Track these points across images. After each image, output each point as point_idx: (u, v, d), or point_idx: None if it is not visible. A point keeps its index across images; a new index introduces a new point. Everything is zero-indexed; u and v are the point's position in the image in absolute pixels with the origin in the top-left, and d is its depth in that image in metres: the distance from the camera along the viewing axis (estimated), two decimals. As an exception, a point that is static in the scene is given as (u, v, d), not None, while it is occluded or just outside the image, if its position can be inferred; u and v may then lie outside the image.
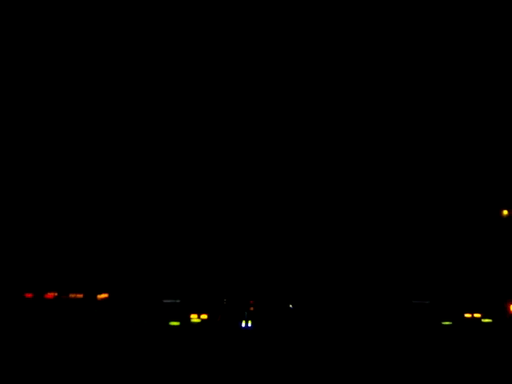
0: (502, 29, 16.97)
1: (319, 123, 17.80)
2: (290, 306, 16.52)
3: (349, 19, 17.34)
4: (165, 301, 16.03)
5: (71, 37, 17.19)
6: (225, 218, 17.32)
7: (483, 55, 17.28)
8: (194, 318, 15.68)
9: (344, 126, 17.79)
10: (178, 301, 16.05)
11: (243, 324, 15.59)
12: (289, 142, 17.72)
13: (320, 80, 17.66)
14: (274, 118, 17.75)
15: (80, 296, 15.94)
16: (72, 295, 15.95)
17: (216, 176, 17.54)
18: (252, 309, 16.27)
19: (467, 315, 15.90)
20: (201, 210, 17.31)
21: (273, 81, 17.66)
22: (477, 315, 15.91)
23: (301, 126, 17.82)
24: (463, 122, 17.54)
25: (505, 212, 16.94)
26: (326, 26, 17.33)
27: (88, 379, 8.60)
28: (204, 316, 15.71)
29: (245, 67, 17.60)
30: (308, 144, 17.71)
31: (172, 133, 17.53)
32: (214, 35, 17.37)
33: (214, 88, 17.63)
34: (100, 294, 16.12)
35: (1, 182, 16.56)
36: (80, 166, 17.10)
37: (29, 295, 15.79)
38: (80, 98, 17.28)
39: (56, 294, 15.89)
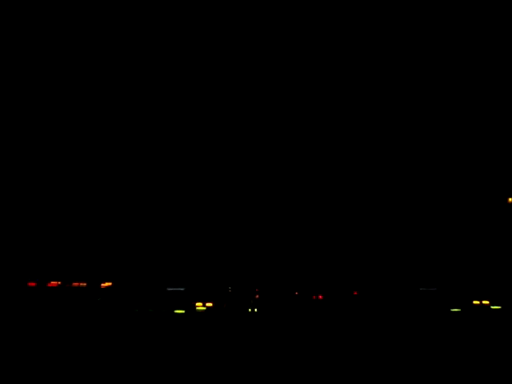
0: (502, 29, 16.72)
1: (319, 122, 17.63)
2: (296, 293, 16.42)
3: (349, 19, 17.10)
4: (169, 289, 15.93)
5: (71, 36, 16.97)
6: (229, 205, 17.19)
7: (483, 55, 17.05)
8: (199, 306, 15.60)
9: (344, 124, 17.62)
10: (182, 289, 15.95)
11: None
12: (297, 132, 17.53)
13: (320, 79, 17.47)
14: (274, 117, 17.57)
15: (83, 284, 15.85)
16: (75, 284, 15.86)
17: (220, 165, 17.38)
18: (257, 297, 16.17)
19: (476, 302, 15.80)
20: (205, 197, 17.17)
21: (273, 80, 17.47)
22: (485, 302, 15.80)
23: (302, 123, 17.64)
24: (466, 117, 17.34)
25: (511, 199, 16.80)
26: (326, 26, 17.09)
27: (92, 369, 8.47)
28: (209, 304, 15.63)
29: (245, 67, 17.39)
30: (315, 134, 17.53)
31: (178, 125, 17.35)
32: (213, 35, 17.15)
33: (213, 88, 17.44)
34: (104, 282, 16.02)
35: (4, 171, 16.42)
36: (79, 154, 16.95)
37: (32, 284, 15.70)
38: (80, 98, 17.10)
39: (59, 283, 15.80)
